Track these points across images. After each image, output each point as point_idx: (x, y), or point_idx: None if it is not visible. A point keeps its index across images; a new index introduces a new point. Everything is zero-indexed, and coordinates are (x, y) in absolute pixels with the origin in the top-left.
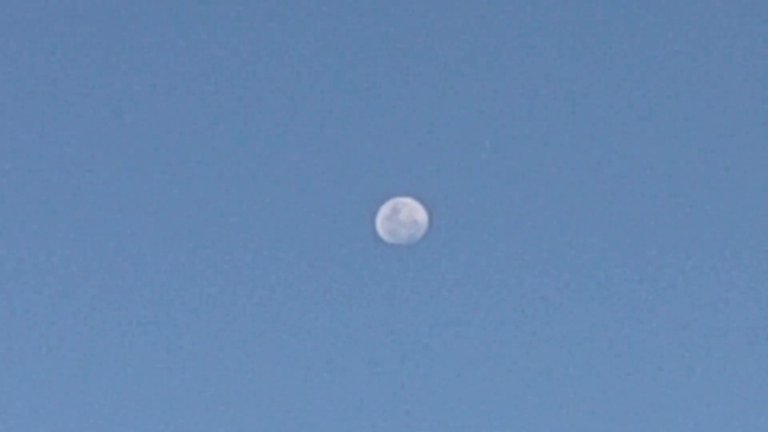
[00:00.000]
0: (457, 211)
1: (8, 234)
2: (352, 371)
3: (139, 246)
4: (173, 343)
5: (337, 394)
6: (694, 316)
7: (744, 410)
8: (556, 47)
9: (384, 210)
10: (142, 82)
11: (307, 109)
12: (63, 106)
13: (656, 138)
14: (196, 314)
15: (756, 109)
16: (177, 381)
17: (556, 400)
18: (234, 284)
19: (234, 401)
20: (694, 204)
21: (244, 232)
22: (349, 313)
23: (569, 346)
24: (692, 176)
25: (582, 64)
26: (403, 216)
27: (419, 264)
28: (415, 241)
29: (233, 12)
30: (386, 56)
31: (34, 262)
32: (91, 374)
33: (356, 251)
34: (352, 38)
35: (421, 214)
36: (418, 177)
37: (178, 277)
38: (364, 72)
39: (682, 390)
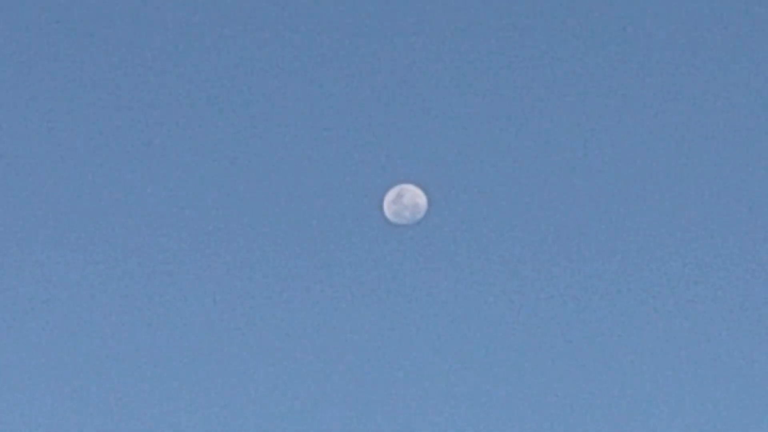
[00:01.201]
0: (453, 196)
1: (8, 234)
2: (364, 348)
3: (152, 229)
4: (185, 326)
5: (347, 373)
6: (696, 316)
7: (744, 410)
8: (554, 39)
9: (390, 195)
10: (156, 74)
11: (321, 106)
12: (63, 107)
13: (666, 130)
14: (208, 300)
15: (756, 109)
16: (190, 362)
17: (555, 379)
18: (249, 268)
19: (242, 383)
20: (700, 202)
21: (263, 221)
22: (360, 286)
23: (564, 326)
24: (700, 175)
25: (582, 56)
26: (406, 200)
27: (420, 241)
28: (416, 222)
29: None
30: (393, 51)
31: (34, 262)
32: (91, 374)
33: (366, 231)
34: (358, 30)
35: (421, 198)
36: (419, 166)
37: (189, 262)
38: (375, 70)
39: (681, 390)
